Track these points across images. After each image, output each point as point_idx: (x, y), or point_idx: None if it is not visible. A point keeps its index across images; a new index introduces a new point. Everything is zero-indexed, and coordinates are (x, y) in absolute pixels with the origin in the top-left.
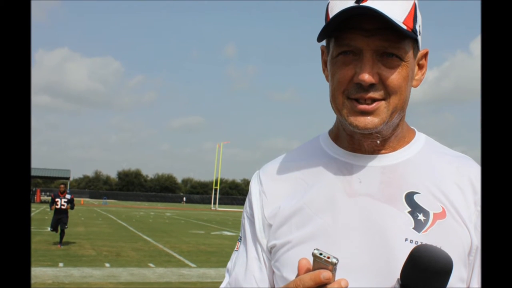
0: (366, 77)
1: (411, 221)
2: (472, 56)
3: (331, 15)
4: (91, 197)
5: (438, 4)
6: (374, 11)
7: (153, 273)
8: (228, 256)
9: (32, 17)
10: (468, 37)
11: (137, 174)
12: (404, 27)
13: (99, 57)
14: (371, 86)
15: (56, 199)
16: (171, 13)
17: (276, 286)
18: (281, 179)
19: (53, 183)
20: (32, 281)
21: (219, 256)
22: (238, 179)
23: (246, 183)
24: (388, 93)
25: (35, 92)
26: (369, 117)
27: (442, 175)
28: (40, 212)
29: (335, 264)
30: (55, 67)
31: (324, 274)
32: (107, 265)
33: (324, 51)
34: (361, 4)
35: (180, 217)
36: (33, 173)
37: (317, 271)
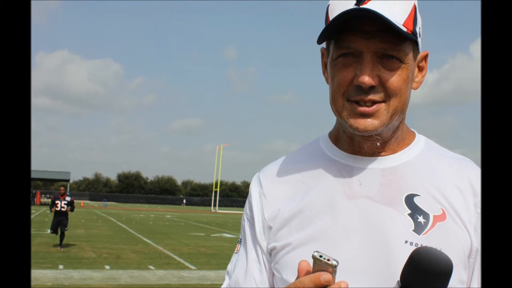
0: (366, 79)
1: (411, 223)
2: (472, 58)
3: (331, 17)
4: (91, 199)
5: (438, 6)
6: (374, 13)
7: (153, 275)
8: (228, 258)
9: (31, 18)
10: (468, 39)
11: (137, 176)
12: (404, 29)
13: (99, 59)
14: (371, 88)
15: (56, 201)
16: (171, 15)
17: None
18: (281, 181)
19: (53, 185)
20: (32, 283)
21: (219, 258)
22: (238, 181)
23: (246, 185)
24: (388, 95)
25: (35, 94)
26: (369, 119)
27: (442, 177)
28: (40, 214)
29: (335, 266)
30: (55, 69)
31: (324, 276)
32: (107, 267)
33: (324, 53)
34: (361, 6)
35: (180, 219)
36: (33, 175)
37: (317, 273)
